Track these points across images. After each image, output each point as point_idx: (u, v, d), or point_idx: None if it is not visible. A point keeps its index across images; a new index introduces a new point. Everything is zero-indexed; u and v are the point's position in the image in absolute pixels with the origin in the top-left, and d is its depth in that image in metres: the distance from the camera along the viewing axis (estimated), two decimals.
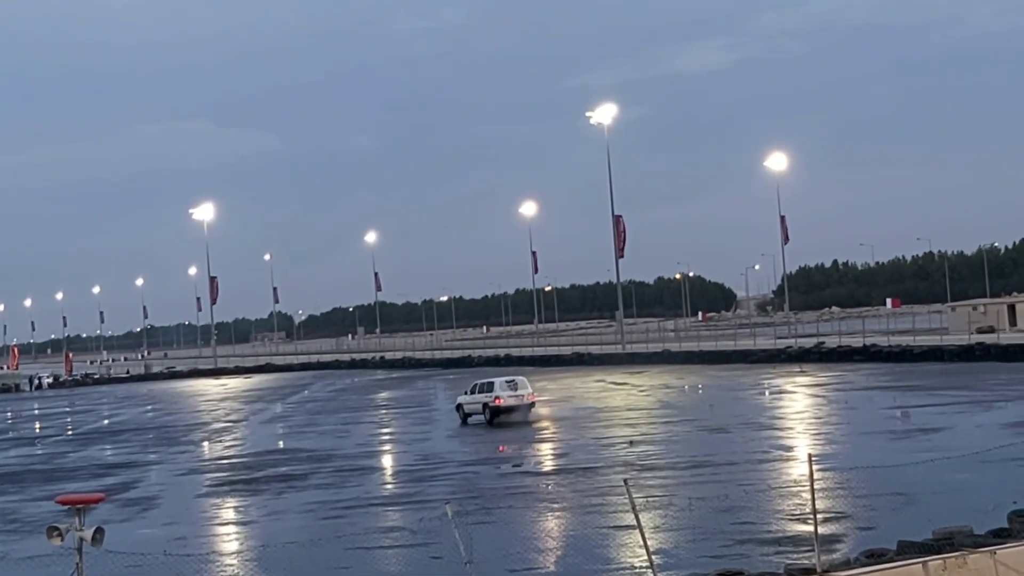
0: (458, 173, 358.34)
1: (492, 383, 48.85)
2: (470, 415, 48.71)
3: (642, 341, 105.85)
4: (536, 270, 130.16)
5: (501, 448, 39.88)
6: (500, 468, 34.09)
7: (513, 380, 49.31)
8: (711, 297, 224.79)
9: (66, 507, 12.82)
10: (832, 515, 22.09)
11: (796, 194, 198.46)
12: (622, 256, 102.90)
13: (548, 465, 34.58)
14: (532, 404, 48.48)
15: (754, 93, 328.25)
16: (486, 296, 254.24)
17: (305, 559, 21.36)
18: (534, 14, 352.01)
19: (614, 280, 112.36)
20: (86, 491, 27.58)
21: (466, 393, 49.98)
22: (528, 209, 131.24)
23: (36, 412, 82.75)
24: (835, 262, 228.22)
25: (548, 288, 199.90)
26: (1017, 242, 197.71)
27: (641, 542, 15.72)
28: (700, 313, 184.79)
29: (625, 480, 17.81)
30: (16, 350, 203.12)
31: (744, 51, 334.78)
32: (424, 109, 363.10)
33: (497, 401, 47.47)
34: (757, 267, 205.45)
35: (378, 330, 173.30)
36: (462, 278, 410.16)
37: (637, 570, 18.93)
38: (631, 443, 36.97)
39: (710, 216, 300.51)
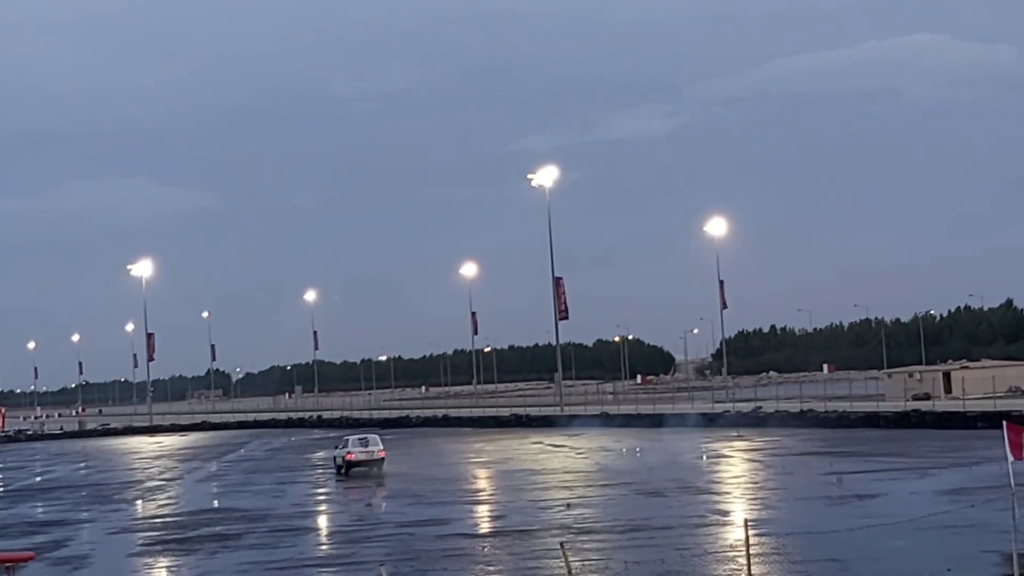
0: (398, 233, 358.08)
1: (347, 440, 55.85)
2: (339, 468, 54.71)
3: (581, 403, 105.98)
4: (475, 331, 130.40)
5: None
6: (437, 530, 33.81)
7: (365, 438, 56.49)
8: (650, 360, 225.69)
9: None
10: None
11: (735, 260, 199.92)
12: (563, 318, 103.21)
13: (484, 527, 34.41)
14: (382, 459, 54.27)
15: (693, 160, 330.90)
16: (425, 356, 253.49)
17: None
18: (476, 78, 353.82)
19: (553, 342, 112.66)
20: (15, 549, 27.14)
21: (335, 448, 56.88)
22: (468, 270, 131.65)
23: None
24: (773, 327, 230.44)
25: (487, 349, 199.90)
26: (952, 310, 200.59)
27: None
28: (639, 376, 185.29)
29: (562, 543, 17.80)
30: None
31: (683, 118, 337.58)
32: (364, 170, 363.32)
33: (348, 456, 53.80)
34: (696, 331, 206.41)
35: (316, 389, 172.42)
36: (401, 338, 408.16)
37: None
38: (568, 506, 36.90)
39: (650, 280, 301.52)
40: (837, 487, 39.55)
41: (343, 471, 53.98)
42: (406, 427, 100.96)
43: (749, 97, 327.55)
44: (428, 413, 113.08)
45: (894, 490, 37.69)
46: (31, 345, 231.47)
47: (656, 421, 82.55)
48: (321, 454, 72.80)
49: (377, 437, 57.01)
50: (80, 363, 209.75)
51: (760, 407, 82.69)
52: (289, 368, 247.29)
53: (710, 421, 78.58)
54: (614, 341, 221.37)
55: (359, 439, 56.22)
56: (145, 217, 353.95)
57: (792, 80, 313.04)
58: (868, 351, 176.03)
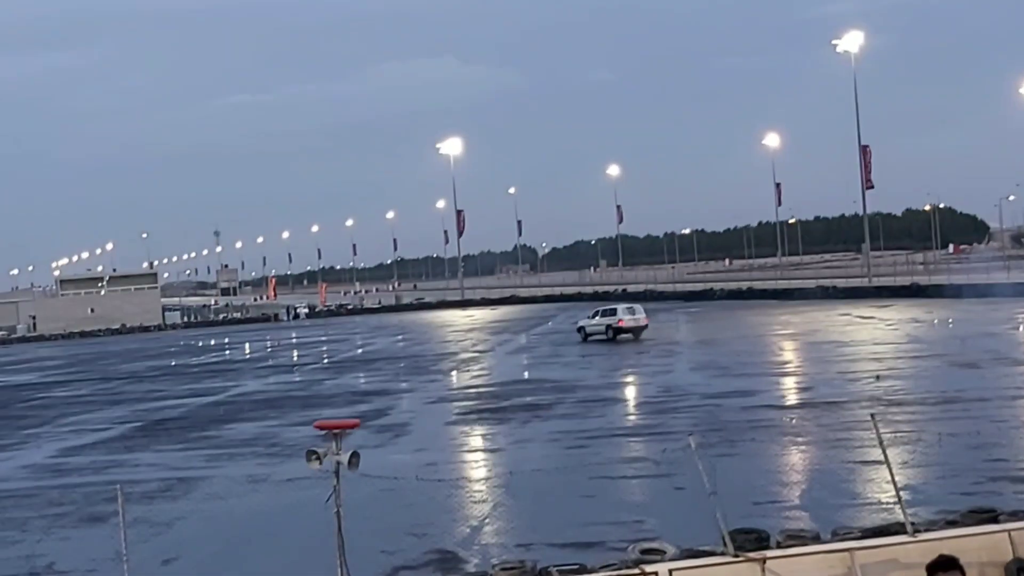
0: (698, 105, 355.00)
1: (615, 309, 62.87)
2: (591, 335, 60.84)
3: (889, 275, 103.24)
4: (779, 202, 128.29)
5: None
6: (743, 401, 33.86)
7: (631, 307, 63.05)
8: (962, 229, 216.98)
9: (323, 432, 13.39)
10: None
11: None
12: (870, 187, 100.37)
13: (791, 399, 34.31)
14: (645, 326, 60.29)
15: (1007, 17, 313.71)
16: (728, 229, 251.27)
17: (551, 486, 21.82)
18: None
19: (860, 212, 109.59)
20: (342, 417, 28.74)
21: (588, 318, 62.67)
22: (771, 140, 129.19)
23: (293, 341, 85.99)
24: None
25: (792, 221, 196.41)
26: None
27: (888, 478, 15.52)
28: (951, 246, 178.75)
29: (872, 415, 17.63)
30: (274, 281, 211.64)
31: None
32: (662, 42, 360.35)
33: (620, 323, 59.98)
34: (1011, 198, 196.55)
35: (620, 263, 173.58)
36: (704, 211, 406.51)
37: (884, 506, 18.68)
38: (877, 378, 36.32)
39: (961, 146, 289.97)
40: None
41: (611, 337, 59.19)
42: (710, 300, 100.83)
43: None
44: (732, 286, 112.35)
45: None
46: (349, 223, 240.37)
47: (969, 291, 79.65)
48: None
49: (640, 307, 63.45)
50: (395, 240, 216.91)
51: None
52: (593, 242, 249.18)
53: None
54: (924, 210, 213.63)
55: (627, 308, 62.74)
56: (452, 96, 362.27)
57: None
58: None
